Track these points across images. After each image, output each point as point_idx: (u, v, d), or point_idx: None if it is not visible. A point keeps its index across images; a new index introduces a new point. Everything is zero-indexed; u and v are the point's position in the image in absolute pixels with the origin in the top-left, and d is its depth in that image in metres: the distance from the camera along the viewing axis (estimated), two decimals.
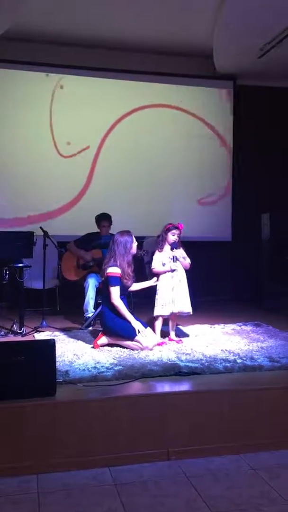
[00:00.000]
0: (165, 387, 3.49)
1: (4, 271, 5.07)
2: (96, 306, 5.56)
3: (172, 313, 4.76)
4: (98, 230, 6.10)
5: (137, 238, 4.76)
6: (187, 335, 5.06)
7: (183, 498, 2.70)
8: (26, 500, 2.69)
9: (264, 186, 7.89)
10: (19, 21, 6.26)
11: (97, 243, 5.93)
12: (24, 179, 7.15)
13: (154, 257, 4.86)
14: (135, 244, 4.65)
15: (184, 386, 3.49)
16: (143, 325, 4.52)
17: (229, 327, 5.48)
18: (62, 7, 6.16)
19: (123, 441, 3.14)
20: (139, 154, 7.56)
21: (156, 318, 4.79)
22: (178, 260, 4.77)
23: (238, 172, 7.93)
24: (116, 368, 3.78)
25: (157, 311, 4.76)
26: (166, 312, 4.73)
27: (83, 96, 7.34)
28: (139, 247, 4.74)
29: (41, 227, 5.73)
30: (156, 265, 4.82)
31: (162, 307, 4.74)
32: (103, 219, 6.05)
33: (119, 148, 7.47)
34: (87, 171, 7.41)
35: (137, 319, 4.59)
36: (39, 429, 3.05)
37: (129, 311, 4.58)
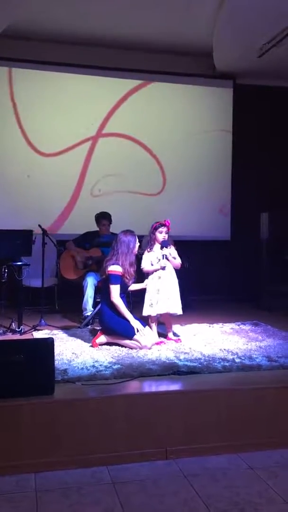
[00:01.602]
0: (163, 386, 3.50)
1: (3, 270, 5.06)
2: (94, 305, 5.56)
3: (159, 314, 4.74)
4: (97, 229, 6.10)
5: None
6: (184, 335, 5.06)
7: (181, 497, 2.71)
8: (24, 498, 2.69)
9: (264, 185, 7.90)
10: (17, 19, 6.26)
11: (96, 241, 5.93)
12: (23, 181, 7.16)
13: (144, 257, 4.83)
14: (138, 244, 4.65)
15: (182, 385, 3.49)
16: (142, 324, 4.52)
17: (228, 326, 5.48)
18: (62, 7, 6.16)
19: (121, 440, 3.15)
20: (136, 153, 7.55)
21: (148, 317, 4.78)
22: (167, 259, 4.73)
23: (237, 171, 7.93)
24: (114, 367, 3.78)
25: (145, 311, 4.75)
26: (154, 312, 4.72)
27: (80, 94, 7.33)
28: (139, 246, 4.73)
29: (40, 225, 5.72)
30: (145, 265, 4.80)
31: (150, 307, 4.73)
32: (103, 218, 6.05)
33: (114, 143, 7.47)
34: (80, 168, 7.39)
35: (136, 318, 4.60)
36: (37, 428, 3.05)
37: (128, 310, 4.59)
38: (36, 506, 2.61)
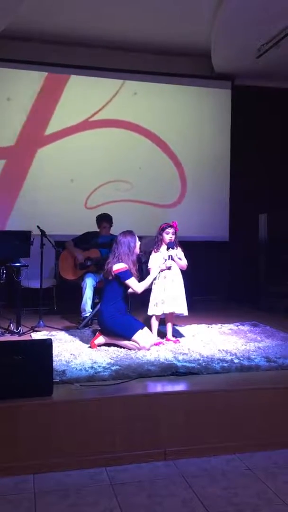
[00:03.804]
0: (162, 387, 3.49)
1: (1, 270, 5.05)
2: (93, 306, 5.56)
3: (164, 313, 4.77)
4: (97, 230, 6.10)
5: None
6: (184, 335, 5.06)
7: (179, 498, 2.70)
8: (23, 500, 2.68)
9: (262, 186, 7.89)
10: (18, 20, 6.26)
11: (94, 242, 5.93)
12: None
13: (151, 257, 4.87)
14: (138, 243, 4.67)
15: (181, 386, 3.49)
16: (140, 324, 4.52)
17: (226, 327, 5.48)
18: (62, 8, 6.17)
19: (120, 441, 3.14)
20: (135, 151, 7.55)
21: (151, 317, 4.79)
22: (173, 259, 4.76)
23: (236, 172, 7.92)
24: (113, 368, 3.78)
25: (150, 310, 4.78)
26: (159, 311, 4.74)
27: (80, 94, 7.33)
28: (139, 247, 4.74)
29: (38, 226, 5.71)
30: (152, 265, 4.82)
31: (155, 306, 4.75)
32: (103, 220, 6.04)
33: (110, 148, 7.46)
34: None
35: (134, 318, 4.61)
36: (35, 429, 3.04)
37: (127, 311, 4.63)
38: (35, 508, 2.61)
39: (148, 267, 4.84)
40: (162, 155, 7.65)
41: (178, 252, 4.85)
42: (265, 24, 6.16)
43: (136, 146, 7.54)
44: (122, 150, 7.48)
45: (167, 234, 4.83)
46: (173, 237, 4.84)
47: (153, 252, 4.89)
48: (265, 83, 7.91)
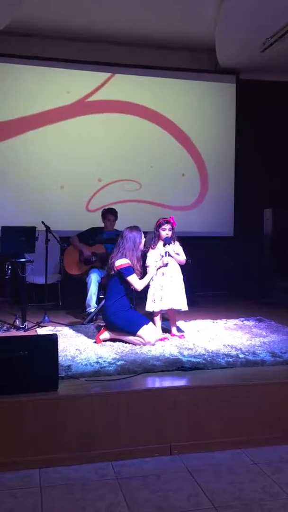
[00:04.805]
0: (167, 382, 3.50)
1: (7, 266, 5.07)
2: (98, 302, 5.57)
3: (162, 310, 4.74)
4: (102, 226, 6.10)
5: None
6: (188, 331, 5.05)
7: (185, 492, 2.71)
8: (29, 494, 2.69)
9: (267, 182, 7.87)
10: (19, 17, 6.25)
11: (99, 237, 5.93)
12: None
13: (148, 254, 4.82)
14: (143, 240, 4.65)
15: (186, 381, 3.50)
16: (145, 319, 4.52)
17: (231, 322, 5.47)
18: (64, 4, 6.17)
19: (125, 435, 3.15)
20: (139, 149, 7.54)
21: (154, 313, 4.78)
22: (170, 255, 4.72)
23: (240, 167, 7.90)
24: (118, 363, 3.79)
25: (148, 306, 4.76)
26: (157, 308, 4.72)
27: (83, 92, 7.33)
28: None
29: (43, 222, 5.72)
30: (149, 263, 4.78)
31: (153, 302, 4.73)
32: (109, 213, 6.06)
33: (115, 141, 7.46)
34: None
35: (139, 314, 4.61)
36: (41, 424, 3.05)
37: (131, 307, 4.64)
38: (41, 502, 2.62)
39: (146, 265, 4.80)
40: (163, 149, 7.61)
41: (175, 247, 4.79)
42: (269, 19, 6.12)
43: (139, 139, 7.52)
44: (129, 140, 7.46)
45: (164, 230, 4.77)
46: (170, 233, 4.77)
47: (150, 249, 4.83)
48: (270, 77, 7.87)
